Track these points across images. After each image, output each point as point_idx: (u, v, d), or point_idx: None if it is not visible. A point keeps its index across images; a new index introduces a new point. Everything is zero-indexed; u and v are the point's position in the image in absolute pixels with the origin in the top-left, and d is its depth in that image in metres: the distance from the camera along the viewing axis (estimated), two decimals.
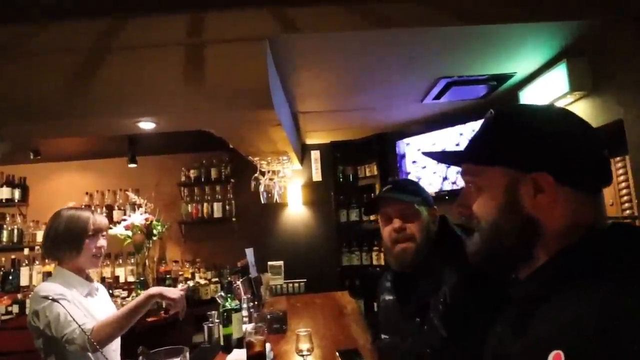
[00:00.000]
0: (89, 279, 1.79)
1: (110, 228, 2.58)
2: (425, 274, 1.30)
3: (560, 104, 2.58)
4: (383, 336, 1.46)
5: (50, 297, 1.54)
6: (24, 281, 3.65)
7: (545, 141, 0.69)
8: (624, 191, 3.78)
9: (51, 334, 1.54)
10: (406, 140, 4.27)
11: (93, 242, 1.75)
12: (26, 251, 3.96)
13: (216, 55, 2.06)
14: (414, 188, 1.41)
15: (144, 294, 1.72)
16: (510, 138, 0.72)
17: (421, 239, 1.31)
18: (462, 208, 0.80)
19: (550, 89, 2.58)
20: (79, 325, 1.48)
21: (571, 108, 2.53)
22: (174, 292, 1.76)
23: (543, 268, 0.68)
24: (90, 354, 1.56)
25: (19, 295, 3.44)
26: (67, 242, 1.71)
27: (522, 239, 0.70)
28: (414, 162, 4.20)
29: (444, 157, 0.90)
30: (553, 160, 0.67)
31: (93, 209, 4.20)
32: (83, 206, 4.33)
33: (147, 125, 2.28)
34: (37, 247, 3.92)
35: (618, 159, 3.67)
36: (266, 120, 2.35)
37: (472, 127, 3.60)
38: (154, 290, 1.74)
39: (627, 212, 3.78)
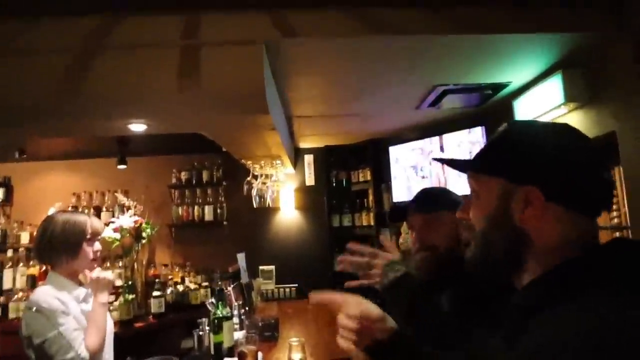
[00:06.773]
0: (80, 284, 1.77)
1: None
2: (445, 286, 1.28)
3: (554, 114, 2.59)
4: None
5: (54, 315, 1.53)
6: (7, 284, 3.54)
7: (542, 158, 0.71)
8: (614, 200, 3.82)
9: (46, 352, 1.51)
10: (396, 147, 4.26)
11: (90, 246, 1.74)
12: (10, 252, 3.85)
13: (212, 57, 2.02)
14: (436, 198, 1.40)
15: (102, 303, 1.72)
16: (511, 151, 0.75)
17: (444, 247, 1.29)
18: (464, 214, 0.84)
19: (545, 100, 2.58)
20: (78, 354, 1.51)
21: (565, 119, 2.56)
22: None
23: (538, 281, 0.69)
24: None
25: (2, 299, 3.34)
26: (64, 246, 1.68)
27: (509, 248, 0.72)
28: (414, 166, 4.19)
29: (453, 164, 0.92)
30: (545, 177, 0.69)
31: (80, 210, 4.12)
32: (70, 207, 4.25)
33: (138, 127, 2.24)
34: (21, 249, 3.82)
35: None
36: (261, 125, 2.32)
37: (467, 135, 3.60)
38: (105, 298, 1.75)
39: (615, 220, 3.81)
